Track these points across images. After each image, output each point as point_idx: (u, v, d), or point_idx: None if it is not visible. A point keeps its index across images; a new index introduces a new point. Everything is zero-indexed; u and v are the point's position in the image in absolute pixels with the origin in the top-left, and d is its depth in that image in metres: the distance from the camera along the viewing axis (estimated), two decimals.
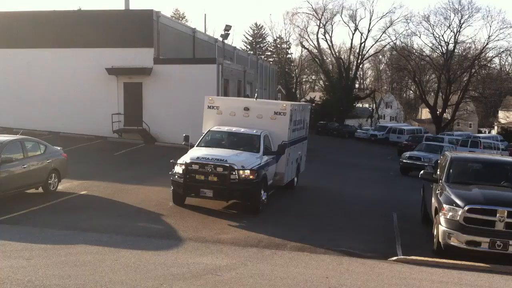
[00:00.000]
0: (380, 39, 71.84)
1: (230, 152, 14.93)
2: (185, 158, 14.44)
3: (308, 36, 74.45)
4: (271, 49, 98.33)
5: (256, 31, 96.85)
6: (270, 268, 9.98)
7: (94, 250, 10.31)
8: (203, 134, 16.50)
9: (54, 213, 13.90)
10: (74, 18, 32.65)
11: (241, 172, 14.01)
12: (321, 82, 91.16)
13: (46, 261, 9.43)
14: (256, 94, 18.42)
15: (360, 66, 78.54)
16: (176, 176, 14.40)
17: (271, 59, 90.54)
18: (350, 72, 72.72)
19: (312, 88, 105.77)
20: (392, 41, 70.56)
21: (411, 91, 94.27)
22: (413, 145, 39.37)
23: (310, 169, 24.26)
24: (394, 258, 11.50)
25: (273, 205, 16.02)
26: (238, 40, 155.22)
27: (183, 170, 14.15)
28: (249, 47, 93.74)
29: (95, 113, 31.48)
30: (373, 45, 75.48)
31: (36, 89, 32.09)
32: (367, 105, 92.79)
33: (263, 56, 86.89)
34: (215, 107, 17.22)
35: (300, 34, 75.85)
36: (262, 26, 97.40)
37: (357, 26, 72.31)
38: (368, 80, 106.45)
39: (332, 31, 79.63)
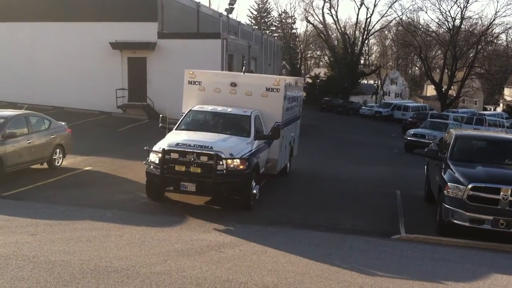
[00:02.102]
0: (386, 14, 71.93)
1: (216, 137, 12.68)
2: (162, 144, 12.12)
3: (314, 11, 74.32)
4: (276, 24, 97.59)
5: (261, 6, 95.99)
6: (273, 245, 10.04)
7: (99, 226, 10.38)
8: (183, 115, 14.28)
9: (58, 189, 13.98)
10: None
11: (229, 161, 11.82)
12: (326, 58, 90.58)
13: (51, 236, 9.50)
14: (243, 67, 16.22)
15: (366, 41, 77.84)
16: (152, 167, 12.18)
17: (276, 34, 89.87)
18: (356, 48, 72.18)
19: (317, 64, 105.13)
20: (398, 16, 70.55)
21: (416, 68, 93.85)
22: (417, 122, 39.24)
23: (312, 147, 24.31)
24: (397, 236, 11.54)
25: (271, 188, 16.00)
26: (243, 15, 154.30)
27: (159, 160, 11.87)
28: (253, 22, 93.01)
29: (99, 88, 31.44)
30: (379, 20, 75.42)
31: (40, 63, 32.00)
32: (372, 82, 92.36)
33: (267, 31, 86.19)
34: (196, 83, 14.92)
35: (305, 9, 75.76)
36: (267, 0, 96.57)
37: (363, 0, 71.78)
38: (373, 56, 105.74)
39: (337, 6, 79.01)
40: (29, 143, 15.03)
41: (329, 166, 21.78)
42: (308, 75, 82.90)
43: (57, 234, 9.67)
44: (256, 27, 80.00)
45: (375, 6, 73.03)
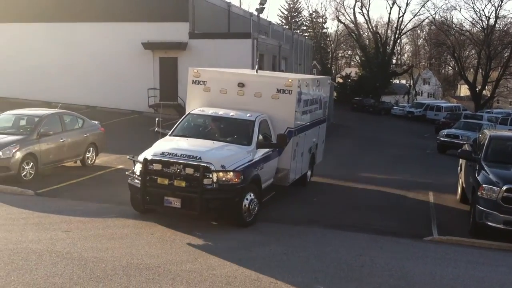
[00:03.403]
0: (418, 13, 71.18)
1: (209, 146, 11.19)
2: (147, 153, 10.74)
3: (345, 10, 73.72)
4: (306, 23, 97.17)
5: (291, 5, 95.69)
6: (303, 245, 10.00)
7: (131, 224, 10.50)
8: (181, 119, 12.90)
9: (91, 187, 14.20)
10: None
11: (221, 174, 10.27)
12: (357, 57, 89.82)
13: (84, 233, 9.65)
14: (256, 65, 14.50)
15: (398, 41, 76.99)
16: (135, 179, 10.80)
17: (306, 34, 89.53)
18: (387, 47, 71.42)
19: (348, 63, 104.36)
20: (431, 15, 69.55)
21: (450, 67, 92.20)
22: (451, 123, 38.58)
23: (343, 147, 24.14)
24: (429, 237, 11.37)
25: (299, 187, 15.89)
26: (273, 15, 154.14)
27: (140, 171, 10.55)
28: (284, 21, 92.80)
29: (131, 88, 31.83)
30: (411, 19, 74.61)
31: (74, 63, 32.54)
32: (404, 81, 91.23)
33: (298, 31, 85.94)
34: (201, 82, 13.41)
35: (336, 8, 75.20)
36: (298, 0, 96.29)
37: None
38: (405, 55, 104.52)
39: (369, 5, 78.40)
40: (63, 141, 15.31)
41: (359, 166, 21.60)
42: (339, 75, 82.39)
43: (90, 231, 9.82)
44: (287, 26, 79.87)
45: (407, 5, 72.69)
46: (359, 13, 77.88)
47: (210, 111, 12.65)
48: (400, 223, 12.60)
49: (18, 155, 13.78)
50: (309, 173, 15.82)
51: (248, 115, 12.31)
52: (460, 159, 15.17)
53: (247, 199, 10.71)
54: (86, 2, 32.51)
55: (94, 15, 32.07)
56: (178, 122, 12.63)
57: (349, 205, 14.15)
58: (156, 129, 12.67)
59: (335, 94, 56.52)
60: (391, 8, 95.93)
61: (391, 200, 15.33)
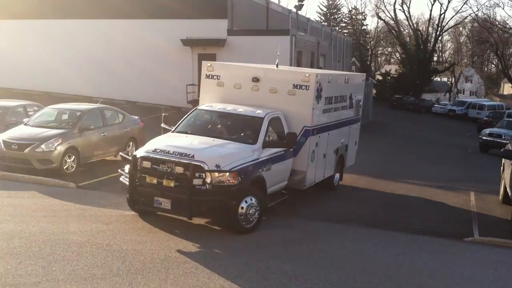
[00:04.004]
0: (460, 10, 69.32)
1: (208, 143, 10.43)
2: (139, 151, 10.15)
3: (385, 7, 73.02)
4: (345, 20, 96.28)
5: (330, 2, 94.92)
6: (340, 243, 9.92)
7: (169, 217, 10.60)
8: (187, 114, 12.16)
9: None
10: None
11: (215, 174, 9.41)
12: (397, 54, 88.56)
13: (123, 226, 9.79)
14: (277, 60, 13.30)
15: (439, 38, 75.52)
16: (126, 177, 10.19)
17: (345, 31, 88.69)
18: (428, 45, 70.11)
19: (387, 60, 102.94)
20: (474, 12, 68.04)
21: (493, 65, 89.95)
22: (493, 122, 37.62)
23: (382, 145, 23.84)
24: (470, 238, 11.12)
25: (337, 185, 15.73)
26: (312, 11, 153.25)
27: (129, 169, 9.95)
28: (323, 18, 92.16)
29: (170, 84, 32.16)
30: (453, 16, 72.86)
31: (114, 59, 33.09)
32: (445, 79, 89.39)
33: (337, 28, 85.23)
34: (215, 77, 12.74)
35: (376, 5, 74.37)
36: None
37: None
38: (447, 53, 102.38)
39: (410, 2, 76.86)
40: (103, 135, 15.60)
41: (399, 164, 21.29)
42: (378, 72, 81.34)
43: (129, 224, 9.96)
44: (326, 23, 79.32)
45: (449, 2, 70.80)
46: (400, 9, 76.98)
47: (218, 106, 11.89)
48: (440, 223, 12.37)
49: (60, 148, 14.11)
50: (337, 176, 14.67)
51: (257, 111, 11.40)
52: (503, 159, 14.77)
53: (245, 202, 9.73)
54: (124, 0, 32.98)
55: (134, 12, 32.49)
56: (183, 118, 11.96)
57: (387, 204, 13.97)
58: (162, 125, 12.11)
59: (374, 91, 55.83)
60: (432, 5, 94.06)
61: (430, 199, 15.05)
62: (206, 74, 12.88)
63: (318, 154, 12.63)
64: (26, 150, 13.82)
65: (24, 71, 33.23)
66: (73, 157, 14.46)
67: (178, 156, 9.58)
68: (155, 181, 9.60)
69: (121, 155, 11.47)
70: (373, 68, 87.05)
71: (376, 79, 70.15)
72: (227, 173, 9.54)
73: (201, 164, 9.39)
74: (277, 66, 12.97)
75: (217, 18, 31.70)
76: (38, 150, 13.91)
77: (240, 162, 9.89)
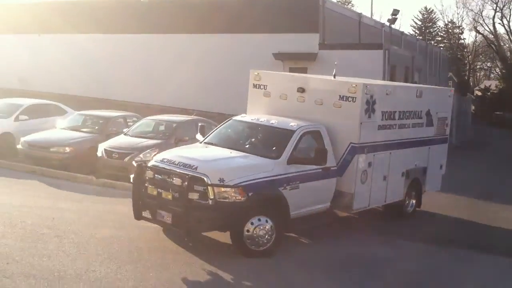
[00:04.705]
0: None
1: (223, 155, 9.82)
2: (153, 160, 9.85)
3: (483, 21, 69.45)
4: (441, 34, 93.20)
5: (425, 15, 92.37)
6: (435, 264, 9.50)
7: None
8: (220, 125, 11.60)
9: None
10: (241, 4, 33.88)
11: (219, 189, 8.61)
12: (497, 69, 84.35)
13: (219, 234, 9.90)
14: (334, 70, 12.08)
15: None
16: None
17: (441, 45, 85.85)
18: None
19: (487, 75, 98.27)
20: None
21: None
22: None
23: (480, 164, 22.70)
24: None
25: (431, 199, 15.00)
26: (406, 25, 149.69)
27: (133, 177, 9.57)
28: (417, 32, 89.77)
29: None
30: None
31: (208, 73, 33.99)
32: None
33: (432, 42, 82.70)
34: (262, 86, 11.96)
35: (474, 19, 71.01)
36: (432, 10, 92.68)
37: None
38: None
39: (510, 15, 73.13)
40: None
41: (501, 185, 20.11)
42: (477, 88, 77.86)
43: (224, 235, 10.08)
44: (420, 37, 77.20)
45: None
46: (499, 23, 73.03)
47: (251, 117, 11.18)
48: None
49: None
50: (412, 202, 12.95)
51: (291, 124, 10.42)
52: None
53: (252, 222, 8.81)
54: (218, 14, 33.82)
55: (228, 27, 33.26)
56: (215, 129, 11.52)
57: (489, 223, 13.16)
58: (197, 135, 11.61)
59: (472, 107, 53.47)
60: None
61: None
62: (254, 84, 12.17)
63: (373, 175, 11.14)
64: (126, 159, 14.44)
65: (122, 83, 34.83)
66: None
67: (181, 167, 8.97)
68: (155, 192, 9.05)
69: (134, 161, 11.26)
70: (471, 84, 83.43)
71: (475, 94, 67.18)
72: (231, 188, 8.66)
73: (203, 177, 8.65)
74: (334, 77, 11.76)
75: (308, 32, 31.73)
76: (137, 160, 14.45)
77: (251, 177, 8.95)
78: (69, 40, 35.83)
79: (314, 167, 9.94)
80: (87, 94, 33.76)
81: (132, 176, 9.71)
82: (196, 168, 8.86)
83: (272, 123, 10.62)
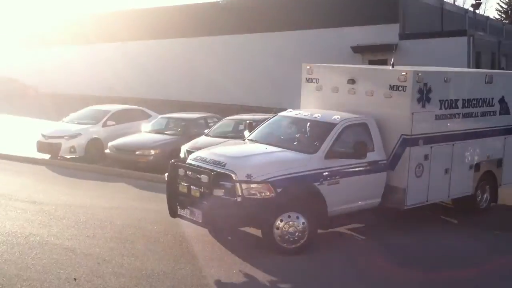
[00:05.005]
0: None
1: (257, 151, 9.63)
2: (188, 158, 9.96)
3: None
4: None
5: None
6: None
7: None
8: (265, 120, 11.39)
9: None
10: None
11: (246, 185, 8.47)
12: None
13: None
14: (392, 59, 11.67)
15: None
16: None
17: None
18: None
19: None
20: None
21: None
22: None
23: None
24: None
25: None
26: (491, 9, 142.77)
27: (167, 175, 9.65)
28: (503, 16, 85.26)
29: None
30: None
31: (286, 71, 33.91)
32: None
33: None
34: (314, 80, 11.46)
35: None
36: None
37: None
38: None
39: None
40: None
41: None
42: None
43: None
44: (507, 21, 73.22)
45: None
46: None
47: (296, 112, 10.87)
48: None
49: None
50: (485, 196, 11.99)
51: (334, 117, 9.99)
52: None
53: (281, 220, 8.58)
54: (295, 11, 33.74)
55: (305, 23, 33.11)
56: (260, 125, 11.16)
57: None
58: (245, 132, 11.54)
59: None
60: None
61: None
62: (306, 78, 11.66)
63: (432, 168, 10.43)
64: None
65: (200, 85, 35.52)
66: None
67: (211, 164, 8.92)
68: (185, 189, 9.00)
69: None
70: None
71: None
72: (259, 185, 8.48)
73: (231, 174, 8.54)
74: (392, 66, 11.06)
75: (387, 23, 30.99)
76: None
77: (282, 173, 8.71)
78: (150, 45, 37.22)
79: (359, 161, 9.52)
80: (168, 98, 34.80)
81: (166, 175, 9.76)
82: (224, 164, 8.77)
83: (315, 117, 10.25)
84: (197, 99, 33.95)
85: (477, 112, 11.37)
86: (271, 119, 11.13)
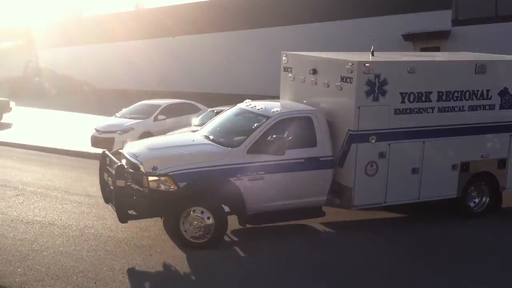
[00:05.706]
0: None
1: (178, 143, 9.73)
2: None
3: None
4: None
5: None
6: None
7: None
8: (224, 111, 11.07)
9: None
10: None
11: (151, 178, 8.37)
12: None
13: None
14: (372, 47, 10.39)
15: None
16: None
17: None
18: None
19: None
20: None
21: None
22: None
23: None
24: None
25: None
26: None
27: (99, 166, 9.80)
28: None
29: None
30: None
31: None
32: None
33: None
34: (288, 69, 10.94)
35: None
36: None
37: None
38: None
39: None
40: None
41: None
42: None
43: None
44: None
45: None
46: None
47: (249, 103, 10.30)
48: None
49: None
50: (483, 200, 10.66)
51: (274, 109, 9.46)
52: None
53: (186, 214, 8.40)
54: (344, 1, 33.32)
55: (353, 12, 32.64)
56: (216, 116, 11.00)
57: None
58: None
59: None
60: None
61: None
62: (284, 67, 11.04)
63: (391, 168, 9.45)
64: None
65: (243, 79, 35.56)
66: None
67: (131, 155, 8.96)
68: (110, 181, 8.94)
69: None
70: None
71: None
72: (162, 177, 8.29)
73: (139, 165, 8.56)
74: (372, 54, 10.19)
75: (439, 9, 30.11)
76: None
77: (191, 166, 8.44)
78: (199, 40, 37.55)
79: (297, 156, 9.02)
80: (219, 91, 35.02)
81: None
82: (137, 156, 8.85)
83: (258, 109, 9.74)
84: (243, 92, 34.18)
85: (462, 106, 9.98)
86: (227, 110, 10.77)
